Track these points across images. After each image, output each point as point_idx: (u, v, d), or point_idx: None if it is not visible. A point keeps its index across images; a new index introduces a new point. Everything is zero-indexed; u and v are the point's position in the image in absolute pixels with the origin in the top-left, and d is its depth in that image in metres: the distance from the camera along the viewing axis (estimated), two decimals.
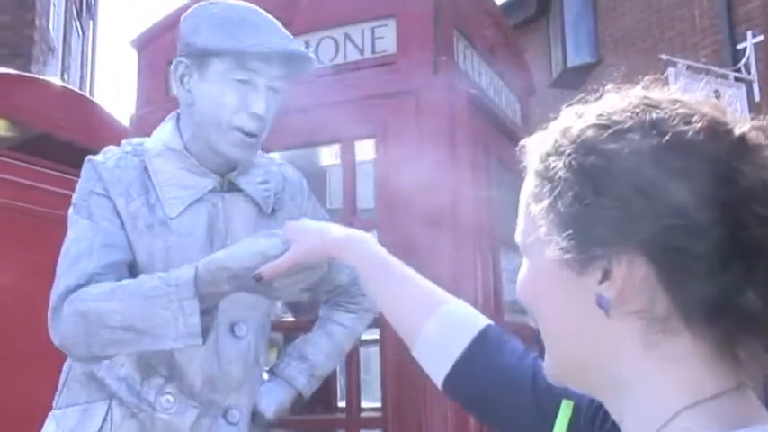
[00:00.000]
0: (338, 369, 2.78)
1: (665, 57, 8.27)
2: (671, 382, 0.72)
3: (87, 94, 3.92)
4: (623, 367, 0.74)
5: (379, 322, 2.34)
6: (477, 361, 1.14)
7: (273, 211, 1.84)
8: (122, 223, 1.69)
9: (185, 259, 1.60)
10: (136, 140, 1.85)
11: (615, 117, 0.76)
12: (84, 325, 1.52)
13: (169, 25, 2.77)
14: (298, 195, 1.94)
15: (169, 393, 1.71)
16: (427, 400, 2.21)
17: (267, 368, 2.00)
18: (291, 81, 1.77)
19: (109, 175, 1.71)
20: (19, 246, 3.29)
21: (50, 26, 10.39)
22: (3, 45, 8.90)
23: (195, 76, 1.70)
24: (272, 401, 1.92)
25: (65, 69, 11.54)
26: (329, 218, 1.99)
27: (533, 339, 2.95)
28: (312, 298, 1.87)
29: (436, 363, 1.17)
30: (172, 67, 1.75)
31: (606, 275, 0.72)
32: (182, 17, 1.79)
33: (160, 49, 2.79)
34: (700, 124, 0.71)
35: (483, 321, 1.19)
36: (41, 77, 3.72)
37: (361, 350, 2.50)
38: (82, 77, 13.04)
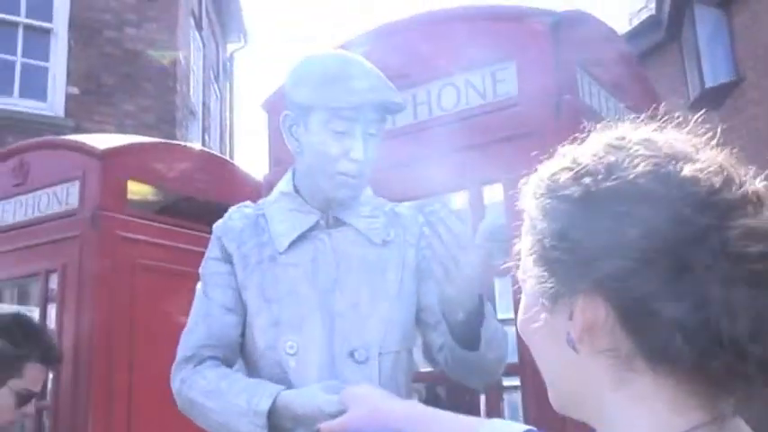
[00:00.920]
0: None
1: None
2: (643, 420, 0.74)
3: (227, 156, 4.07)
4: (603, 402, 0.77)
5: (519, 370, 2.31)
6: None
7: (385, 242, 1.88)
8: (233, 269, 1.84)
9: (294, 292, 1.79)
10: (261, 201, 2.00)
11: (580, 160, 0.80)
12: (191, 410, 1.82)
13: None
14: (412, 227, 1.93)
15: None
16: None
17: None
18: (386, 122, 1.87)
19: (223, 228, 1.91)
20: (167, 305, 3.43)
21: (191, 91, 10.95)
22: (149, 112, 9.44)
23: (301, 128, 1.82)
24: None
25: (205, 131, 12.10)
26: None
27: None
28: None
29: None
30: (281, 119, 1.87)
31: (570, 315, 0.76)
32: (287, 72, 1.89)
33: None
34: (646, 168, 0.74)
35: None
36: (183, 143, 3.90)
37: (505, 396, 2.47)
38: (221, 138, 13.64)
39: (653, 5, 11.50)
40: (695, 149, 0.76)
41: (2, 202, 3.76)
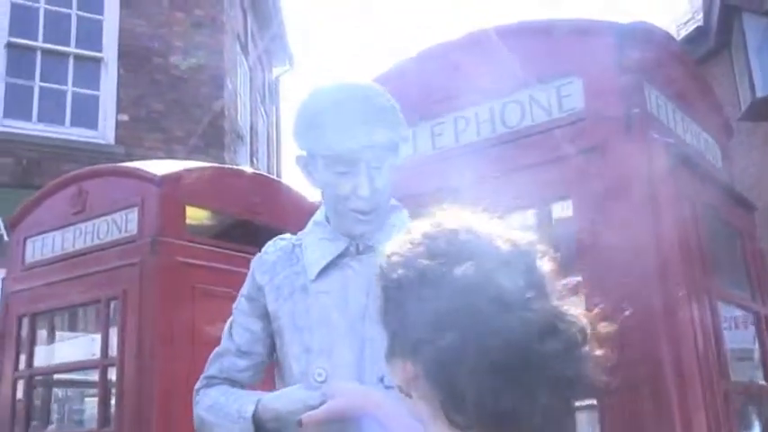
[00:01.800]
0: None
1: None
2: None
3: (278, 178, 4.06)
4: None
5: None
6: None
7: None
8: (258, 306, 1.91)
9: (325, 319, 1.80)
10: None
11: (403, 245, 1.06)
12: (201, 428, 1.91)
13: None
14: None
15: None
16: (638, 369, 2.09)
17: None
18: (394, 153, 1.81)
19: (257, 262, 1.97)
20: (216, 330, 3.42)
21: (238, 115, 11.04)
22: (198, 137, 9.53)
23: (313, 167, 1.83)
24: None
25: (253, 154, 12.19)
26: None
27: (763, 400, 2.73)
28: None
29: None
30: (295, 159, 1.88)
31: (402, 368, 1.00)
32: None
33: None
34: (425, 263, 1.00)
35: None
36: (238, 167, 3.89)
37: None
38: (269, 161, 13.73)
39: (700, 16, 11.35)
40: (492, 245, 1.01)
41: (61, 230, 3.79)
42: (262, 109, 13.51)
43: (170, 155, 8.70)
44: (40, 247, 3.87)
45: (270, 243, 2.01)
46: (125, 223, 3.54)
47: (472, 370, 0.90)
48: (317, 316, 1.82)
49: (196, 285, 3.42)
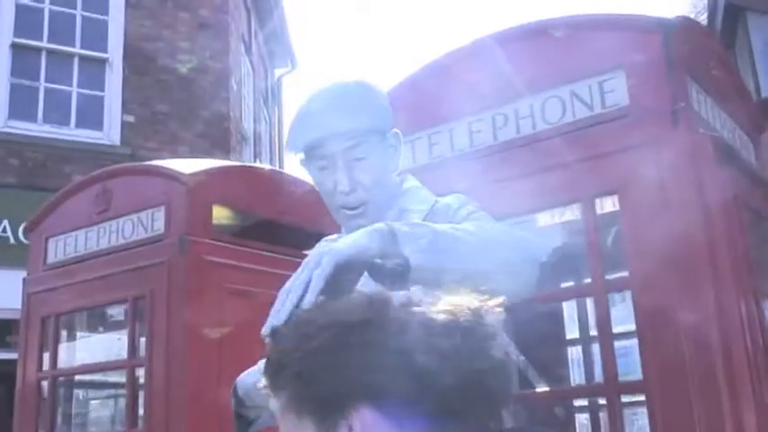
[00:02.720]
0: None
1: None
2: None
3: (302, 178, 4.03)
4: None
5: (644, 386, 2.24)
6: None
7: None
8: None
9: None
10: None
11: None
12: None
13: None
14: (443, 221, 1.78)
15: None
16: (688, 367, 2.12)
17: None
18: (377, 142, 1.80)
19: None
20: (254, 330, 3.39)
21: (242, 117, 11.01)
22: (203, 138, 9.50)
23: (310, 173, 1.88)
24: None
25: (257, 156, 12.16)
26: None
27: None
28: None
29: None
30: (300, 165, 1.91)
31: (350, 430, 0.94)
32: None
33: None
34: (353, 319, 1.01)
35: None
36: (264, 167, 3.86)
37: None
38: (272, 162, 13.70)
39: (704, 16, 11.36)
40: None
41: (85, 229, 3.76)
42: (264, 110, 13.49)
43: (175, 156, 8.66)
44: (63, 247, 3.84)
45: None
46: (151, 222, 3.51)
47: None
48: None
49: (224, 285, 3.40)
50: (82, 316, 4.18)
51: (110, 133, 9.44)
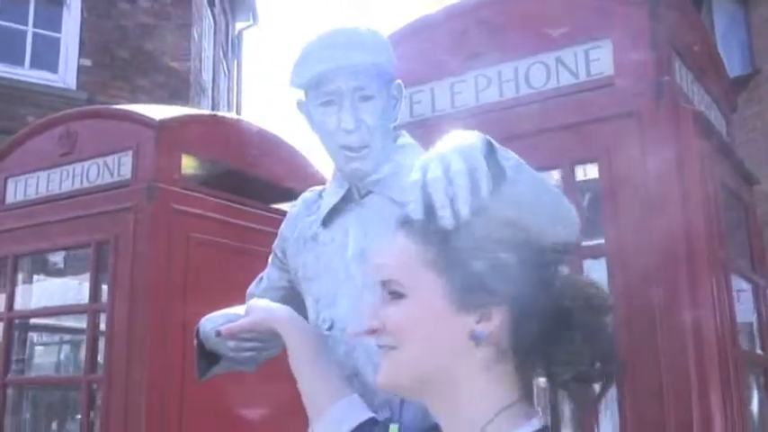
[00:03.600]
0: None
1: None
2: (495, 392, 1.08)
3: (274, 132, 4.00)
4: (462, 378, 1.08)
5: None
6: None
7: None
8: (280, 264, 1.97)
9: (329, 267, 1.81)
10: None
11: None
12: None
13: None
14: None
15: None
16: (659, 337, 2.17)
17: None
18: (383, 87, 1.79)
19: (287, 217, 2.00)
20: (220, 280, 3.37)
21: (202, 68, 10.83)
22: (162, 87, 9.33)
23: (308, 108, 1.83)
24: None
25: (214, 108, 11.98)
26: None
27: None
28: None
29: None
30: (296, 106, 1.88)
31: (485, 317, 1.06)
32: None
33: None
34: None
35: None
36: (235, 117, 3.81)
37: None
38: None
39: None
40: None
41: (48, 171, 3.67)
42: (224, 63, 13.28)
43: (133, 104, 8.50)
44: (23, 188, 3.75)
45: (301, 196, 2.03)
46: (118, 167, 3.44)
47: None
48: (323, 264, 1.83)
49: (191, 235, 3.35)
50: (40, 259, 4.09)
51: (65, 76, 9.22)
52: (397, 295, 1.11)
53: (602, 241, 2.40)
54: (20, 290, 3.80)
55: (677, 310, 2.19)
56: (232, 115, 3.59)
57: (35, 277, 4.04)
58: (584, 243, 2.42)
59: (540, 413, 1.11)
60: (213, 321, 1.79)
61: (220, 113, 3.53)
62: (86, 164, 3.55)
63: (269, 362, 1.90)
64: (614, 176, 2.34)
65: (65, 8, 9.36)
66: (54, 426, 5.15)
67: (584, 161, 2.44)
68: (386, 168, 1.81)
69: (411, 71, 2.74)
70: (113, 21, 9.38)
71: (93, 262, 3.36)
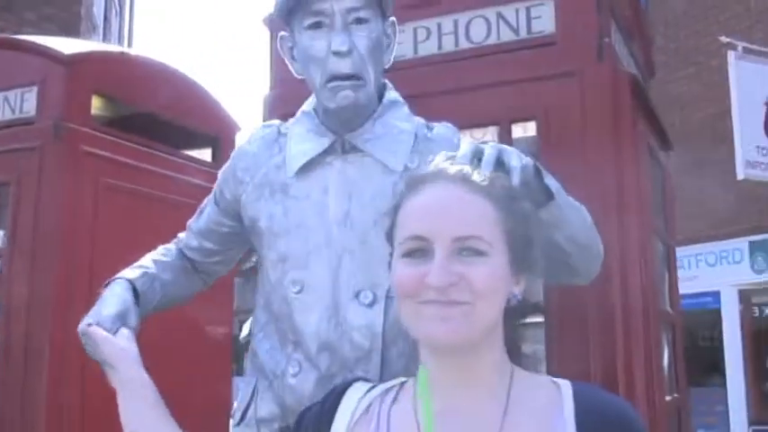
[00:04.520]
0: None
1: (725, 39, 8.15)
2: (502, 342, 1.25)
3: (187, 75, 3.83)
4: (498, 335, 1.23)
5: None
6: None
7: (407, 169, 1.67)
8: (235, 201, 1.81)
9: (302, 225, 1.68)
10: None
11: None
12: None
13: None
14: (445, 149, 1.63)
15: (296, 360, 1.68)
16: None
17: None
18: (380, 7, 1.68)
19: (238, 154, 1.84)
20: (130, 228, 3.23)
21: (93, 2, 10.31)
22: (51, 21, 8.83)
23: (295, 43, 1.70)
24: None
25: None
26: None
27: None
28: None
29: None
30: (278, 43, 1.75)
31: (518, 281, 1.23)
32: None
33: None
34: None
35: None
36: (148, 56, 3.62)
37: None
38: None
39: None
40: None
41: None
42: (116, 0, 12.71)
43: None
44: None
45: (255, 130, 1.86)
46: (20, 103, 3.21)
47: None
48: (294, 221, 1.70)
49: (100, 179, 3.18)
50: None
51: None
52: (476, 252, 1.17)
53: None
54: None
55: (606, 267, 2.22)
56: (145, 54, 3.40)
57: None
58: None
59: None
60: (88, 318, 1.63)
61: (132, 51, 3.34)
62: None
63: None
64: (552, 135, 2.34)
65: None
66: None
67: (521, 119, 2.43)
68: (378, 128, 1.69)
69: None
70: None
71: None
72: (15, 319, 3.04)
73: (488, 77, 2.43)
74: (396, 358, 1.63)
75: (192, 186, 3.60)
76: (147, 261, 1.86)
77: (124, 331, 1.58)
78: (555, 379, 1.24)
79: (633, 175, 2.32)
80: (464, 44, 2.53)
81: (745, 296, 9.43)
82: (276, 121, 1.85)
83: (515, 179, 1.27)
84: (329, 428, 1.25)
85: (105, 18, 11.38)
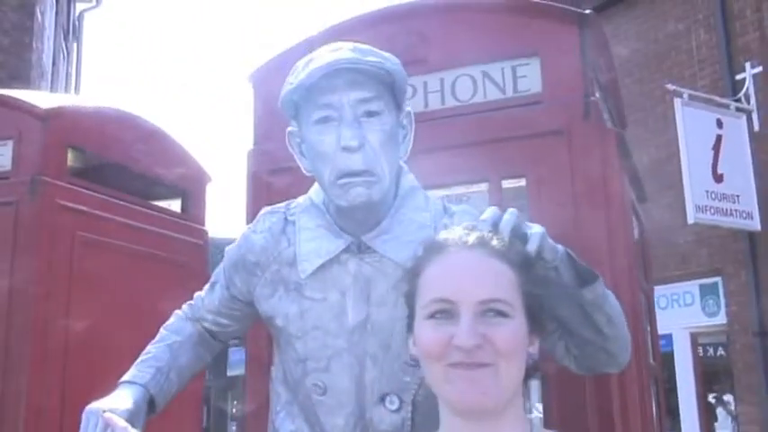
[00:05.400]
0: None
1: (671, 86, 8.40)
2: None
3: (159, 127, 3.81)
4: (517, 399, 1.27)
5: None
6: None
7: None
8: (245, 292, 1.77)
9: (319, 327, 1.64)
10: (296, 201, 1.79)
11: None
12: None
13: (288, 60, 2.72)
14: None
15: None
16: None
17: None
18: (395, 98, 1.61)
19: (247, 244, 1.76)
20: (107, 282, 3.18)
21: (44, 49, 10.20)
22: (2, 67, 8.70)
23: (303, 138, 1.62)
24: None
25: (53, 92, 11.31)
26: None
27: None
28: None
29: None
30: (287, 137, 1.67)
31: (532, 342, 1.27)
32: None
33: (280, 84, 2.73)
34: None
35: None
36: (122, 110, 3.60)
37: None
38: None
39: None
40: None
41: None
42: (64, 45, 12.57)
43: None
44: None
45: (260, 217, 1.78)
46: None
47: None
48: (311, 323, 1.65)
49: (77, 233, 3.13)
50: None
51: None
52: (501, 314, 1.22)
53: None
54: None
55: None
56: (118, 106, 3.36)
57: None
58: None
59: None
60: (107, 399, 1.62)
61: (104, 104, 3.32)
62: None
63: None
64: (541, 192, 2.38)
65: None
66: None
67: (511, 176, 2.47)
68: (395, 226, 1.61)
69: None
70: None
71: None
72: None
73: (476, 135, 2.47)
74: None
75: (163, 237, 3.58)
76: (161, 351, 1.79)
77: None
78: None
79: (622, 231, 2.37)
80: (450, 102, 2.57)
81: (694, 338, 9.62)
82: (281, 206, 1.78)
83: (532, 246, 1.32)
84: None
85: (54, 64, 11.25)
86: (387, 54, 1.60)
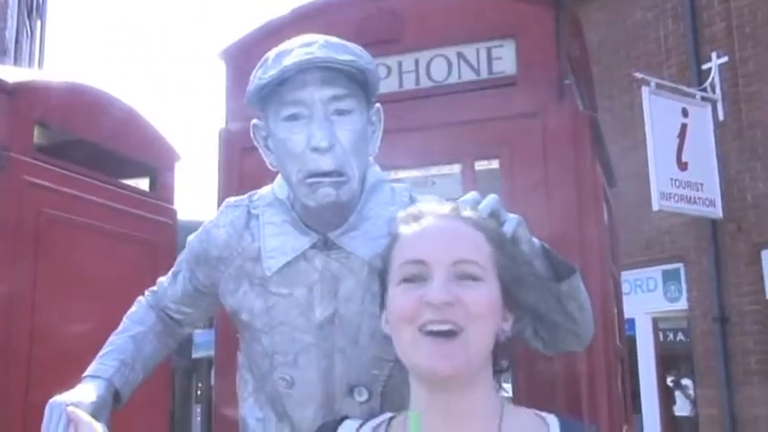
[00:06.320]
0: None
1: (638, 75, 8.47)
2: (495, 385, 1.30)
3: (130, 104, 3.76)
4: (486, 374, 1.26)
5: None
6: None
7: None
8: (208, 285, 1.74)
9: (285, 323, 1.62)
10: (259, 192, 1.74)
11: None
12: None
13: (261, 37, 2.70)
14: None
15: None
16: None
17: None
18: (366, 96, 1.57)
19: (208, 238, 1.71)
20: (73, 259, 3.15)
21: (6, 27, 10.02)
22: None
23: (270, 134, 1.56)
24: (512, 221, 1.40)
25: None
26: None
27: None
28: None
29: None
30: (252, 131, 1.62)
31: (505, 317, 1.27)
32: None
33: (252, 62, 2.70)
34: None
35: None
36: (91, 85, 3.54)
37: None
38: None
39: None
40: None
41: None
42: (28, 24, 12.35)
43: None
44: None
45: (222, 210, 1.72)
46: None
47: None
48: (278, 318, 1.62)
49: (43, 210, 3.09)
50: None
51: None
52: (472, 278, 1.21)
53: None
54: None
55: None
56: (88, 82, 3.31)
57: None
58: None
59: None
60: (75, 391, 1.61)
61: (77, 79, 3.25)
62: None
63: None
64: (514, 174, 2.39)
65: None
66: None
67: (484, 157, 2.48)
68: (362, 222, 1.59)
69: None
70: None
71: None
72: None
73: (450, 116, 2.47)
74: None
75: (131, 216, 3.55)
76: (124, 342, 1.78)
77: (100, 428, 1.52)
78: (541, 413, 1.28)
79: (593, 214, 2.39)
80: (425, 83, 2.57)
81: (655, 323, 9.77)
82: (243, 198, 1.72)
83: (508, 228, 1.36)
84: None
85: (17, 41, 11.06)
86: (359, 50, 1.55)
